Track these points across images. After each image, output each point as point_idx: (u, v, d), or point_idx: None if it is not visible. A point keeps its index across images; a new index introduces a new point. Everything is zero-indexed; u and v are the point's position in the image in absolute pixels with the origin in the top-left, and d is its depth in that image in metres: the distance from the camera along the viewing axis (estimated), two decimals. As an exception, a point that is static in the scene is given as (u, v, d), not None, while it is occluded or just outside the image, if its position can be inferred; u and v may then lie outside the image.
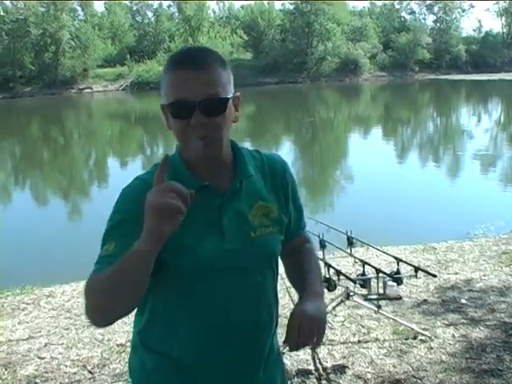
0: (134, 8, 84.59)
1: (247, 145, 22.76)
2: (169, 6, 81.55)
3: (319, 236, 4.98)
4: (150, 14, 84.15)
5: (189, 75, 1.59)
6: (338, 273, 4.28)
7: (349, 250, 5.05)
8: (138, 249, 1.41)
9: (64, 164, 20.79)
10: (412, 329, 4.59)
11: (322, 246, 4.93)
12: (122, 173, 17.34)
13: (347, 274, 4.43)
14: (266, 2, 76.47)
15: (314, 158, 19.64)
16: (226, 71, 1.68)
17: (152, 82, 62.80)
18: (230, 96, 1.68)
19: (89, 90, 63.72)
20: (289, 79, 61.07)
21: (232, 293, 1.70)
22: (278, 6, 76.49)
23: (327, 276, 4.27)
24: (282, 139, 24.78)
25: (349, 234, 5.03)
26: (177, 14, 77.06)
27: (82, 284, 6.11)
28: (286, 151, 21.07)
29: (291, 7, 71.60)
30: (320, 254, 4.97)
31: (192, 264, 1.64)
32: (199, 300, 1.67)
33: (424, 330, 4.63)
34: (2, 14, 68.80)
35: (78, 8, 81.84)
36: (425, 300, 5.34)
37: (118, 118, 37.64)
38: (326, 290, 4.42)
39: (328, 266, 4.34)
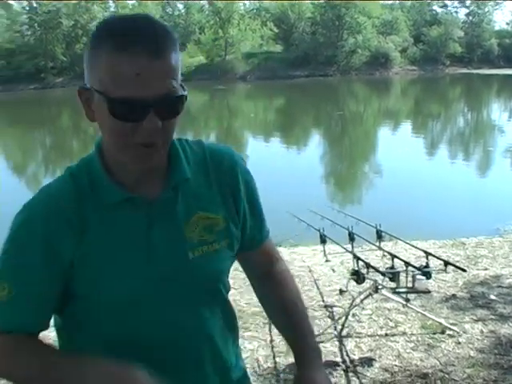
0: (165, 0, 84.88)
1: (276, 138, 22.91)
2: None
3: (348, 228, 4.99)
4: (180, 6, 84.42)
5: (142, 65, 1.18)
6: (367, 265, 4.28)
7: (377, 243, 5.05)
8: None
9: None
10: (440, 323, 4.58)
11: (351, 238, 4.93)
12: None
13: (376, 267, 4.43)
14: (296, -5, 76.25)
15: (344, 152, 19.57)
16: (177, 53, 1.27)
17: (182, 74, 62.74)
18: (185, 91, 1.30)
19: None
20: (319, 72, 60.83)
21: (161, 334, 1.36)
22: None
23: (356, 269, 4.28)
24: (311, 132, 24.75)
25: (378, 227, 5.03)
26: (207, 6, 77.06)
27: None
28: (316, 144, 21.08)
29: (322, 0, 71.31)
30: (349, 246, 4.99)
31: (108, 298, 1.30)
32: (118, 342, 1.33)
33: (452, 324, 4.61)
34: (34, 5, 69.53)
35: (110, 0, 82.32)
36: (453, 295, 5.31)
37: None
38: (354, 283, 4.45)
39: (357, 258, 4.36)
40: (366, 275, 4.26)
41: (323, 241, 5.21)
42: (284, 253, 6.54)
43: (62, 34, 68.87)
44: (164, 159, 1.37)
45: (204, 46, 68.57)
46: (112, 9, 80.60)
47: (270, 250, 1.65)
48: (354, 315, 4.76)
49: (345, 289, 5.02)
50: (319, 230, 5.22)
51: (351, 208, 10.25)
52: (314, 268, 5.96)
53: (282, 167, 14.95)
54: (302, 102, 39.90)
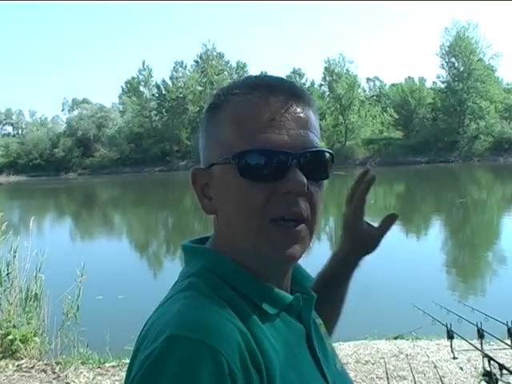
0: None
1: (396, 225, 22.39)
2: (320, 85, 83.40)
3: (477, 325, 4.78)
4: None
5: (277, 109, 1.01)
6: (501, 367, 4.06)
7: (509, 342, 4.80)
8: None
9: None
10: None
11: (480, 335, 4.71)
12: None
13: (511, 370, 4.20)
14: (416, 81, 76.47)
15: (466, 240, 18.99)
16: (316, 114, 1.10)
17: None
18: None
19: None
20: (440, 158, 60.10)
21: None
22: (428, 84, 75.98)
23: (488, 369, 4.07)
24: (431, 219, 24.27)
25: (509, 324, 4.79)
26: (328, 93, 78.52)
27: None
28: (436, 232, 20.60)
29: (442, 86, 71.18)
30: (476, 342, 4.77)
31: None
32: None
33: None
34: (163, 92, 73.50)
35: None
36: None
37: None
38: (485, 384, 4.22)
39: (489, 358, 4.15)
40: (499, 377, 4.04)
41: (450, 336, 5.01)
42: (406, 346, 6.36)
43: (187, 119, 72.28)
44: (303, 253, 1.05)
45: (324, 131, 69.58)
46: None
47: None
48: (483, 418, 4.51)
49: (475, 389, 4.78)
50: (446, 326, 5.04)
51: (476, 300, 9.89)
52: (440, 364, 5.73)
53: (402, 255, 14.66)
54: (422, 188, 39.38)
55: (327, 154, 1.07)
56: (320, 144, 1.07)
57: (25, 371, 5.82)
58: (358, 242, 1.46)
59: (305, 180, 0.99)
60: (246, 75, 1.15)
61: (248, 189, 1.00)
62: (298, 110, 1.03)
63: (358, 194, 1.48)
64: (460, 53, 67.45)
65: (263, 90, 1.03)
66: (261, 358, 0.92)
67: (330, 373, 1.09)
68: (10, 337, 6.27)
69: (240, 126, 1.01)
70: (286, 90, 1.04)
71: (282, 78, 1.09)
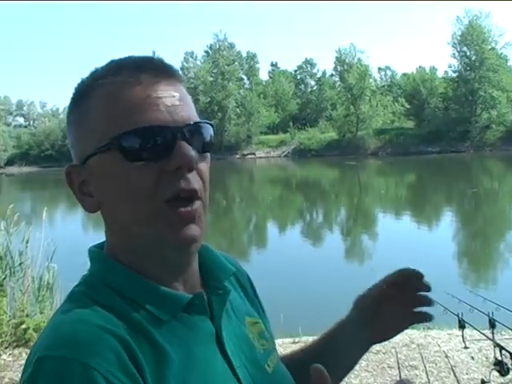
0: (298, 77, 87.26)
1: (407, 215, 22.59)
2: (331, 75, 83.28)
3: (488, 314, 4.78)
4: (312, 83, 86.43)
5: (148, 87, 0.95)
6: (512, 356, 4.06)
7: (521, 332, 4.80)
8: None
9: (225, 227, 21.44)
10: None
11: (492, 325, 4.71)
12: (281, 238, 17.66)
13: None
14: (428, 70, 76.09)
15: (478, 231, 18.93)
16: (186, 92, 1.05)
17: (314, 150, 64.04)
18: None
19: (252, 156, 66.21)
20: (451, 148, 59.74)
21: None
22: (440, 73, 75.51)
23: (499, 358, 4.07)
24: (443, 209, 24.17)
25: (520, 314, 4.78)
26: (339, 83, 78.35)
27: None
28: (448, 222, 20.53)
29: (454, 75, 70.73)
30: (487, 332, 4.77)
31: None
32: None
33: None
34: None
35: (244, 77, 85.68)
36: None
37: (279, 183, 38.52)
38: (496, 373, 4.23)
39: (500, 347, 4.15)
40: (510, 366, 4.05)
41: (462, 326, 5.01)
42: (417, 336, 6.35)
43: (198, 109, 71.39)
44: (202, 234, 0.99)
45: (336, 121, 69.56)
46: (246, 85, 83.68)
47: None
48: (494, 408, 4.52)
49: (486, 379, 4.77)
50: (458, 315, 5.03)
51: (487, 290, 9.86)
52: (451, 354, 5.73)
53: (413, 245, 14.64)
54: (433, 178, 39.23)
55: (210, 126, 1.03)
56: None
57: (38, 360, 5.87)
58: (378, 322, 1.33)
59: (193, 153, 0.94)
60: (109, 60, 1.03)
61: (134, 173, 0.92)
62: (172, 85, 0.98)
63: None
64: (472, 42, 66.96)
65: (131, 69, 0.97)
66: (144, 363, 0.86)
67: (247, 373, 1.02)
68: (24, 326, 6.32)
69: (114, 110, 0.94)
70: (155, 67, 0.99)
71: (148, 56, 1.03)
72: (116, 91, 0.95)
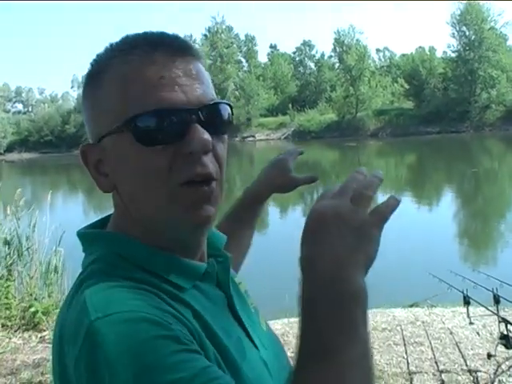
0: (297, 59, 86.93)
1: (407, 195, 22.61)
2: (330, 57, 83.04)
3: (493, 290, 4.84)
4: (311, 65, 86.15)
5: (164, 66, 0.93)
6: (516, 330, 4.13)
7: (524, 307, 4.87)
8: (353, 290, 0.79)
9: (225, 209, 21.43)
10: None
11: (496, 301, 4.77)
12: (282, 219, 17.80)
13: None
14: (427, 51, 75.83)
15: (478, 210, 18.99)
16: (205, 67, 1.03)
17: (313, 132, 63.96)
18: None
19: (251, 139, 66.18)
20: (451, 128, 59.59)
21: None
22: (439, 54, 75.25)
23: (504, 333, 4.14)
24: (443, 189, 24.23)
25: (523, 289, 4.85)
26: (338, 64, 78.14)
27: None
28: (448, 202, 20.59)
29: (453, 55, 70.49)
30: (494, 308, 4.83)
31: None
32: None
33: None
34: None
35: (243, 59, 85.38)
36: None
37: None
38: (502, 348, 4.30)
39: (506, 322, 4.22)
40: (515, 340, 4.11)
41: (467, 302, 5.08)
42: (422, 313, 6.43)
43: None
44: (216, 213, 1.00)
45: (335, 103, 69.42)
46: (245, 68, 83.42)
47: None
48: (500, 382, 4.59)
49: (493, 353, 4.84)
50: (463, 292, 5.10)
51: (488, 268, 9.90)
52: (455, 330, 5.80)
53: (414, 225, 14.69)
54: (433, 158, 39.23)
55: (227, 106, 1.00)
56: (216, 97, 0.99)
57: (48, 342, 5.94)
58: (278, 181, 1.58)
59: (208, 136, 0.92)
60: (124, 35, 1.01)
61: (148, 155, 0.91)
62: (187, 63, 0.95)
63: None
64: (471, 21, 66.64)
65: (146, 47, 0.94)
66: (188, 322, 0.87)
67: (256, 334, 1.06)
68: (33, 309, 6.39)
69: (127, 90, 0.92)
70: (170, 44, 0.95)
71: (164, 33, 0.99)
72: (130, 71, 0.93)
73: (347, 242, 0.81)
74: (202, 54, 1.01)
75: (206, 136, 0.92)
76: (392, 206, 0.87)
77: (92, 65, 1.00)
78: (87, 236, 1.03)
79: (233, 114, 1.03)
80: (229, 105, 1.01)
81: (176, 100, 0.91)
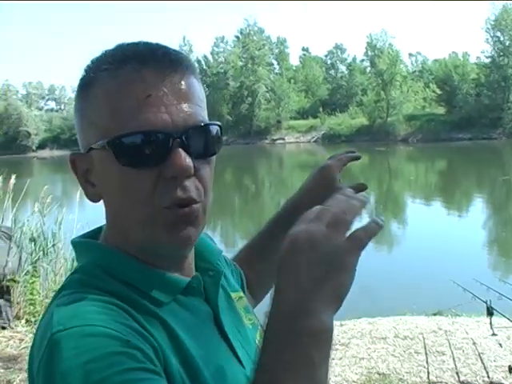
0: (328, 62, 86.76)
1: (436, 202, 22.43)
2: (362, 61, 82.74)
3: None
4: (343, 68, 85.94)
5: (151, 84, 0.91)
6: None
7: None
8: (318, 325, 0.74)
9: (254, 211, 21.50)
10: None
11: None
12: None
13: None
14: (460, 56, 75.14)
15: (509, 219, 18.76)
16: (199, 82, 1.01)
17: (344, 135, 63.73)
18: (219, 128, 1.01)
19: (281, 141, 66.14)
20: (483, 135, 58.91)
21: None
22: (472, 59, 74.50)
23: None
24: (473, 197, 23.97)
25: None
26: (369, 68, 77.79)
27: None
28: (478, 209, 20.37)
29: (487, 61, 69.73)
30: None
31: None
32: None
33: None
34: (204, 67, 73.60)
35: (274, 62, 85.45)
36: None
37: (308, 168, 38.30)
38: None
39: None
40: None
41: (490, 313, 5.03)
42: (445, 322, 6.37)
43: (228, 94, 72.29)
44: (199, 233, 0.99)
45: (366, 107, 69.06)
46: (277, 70, 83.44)
47: None
48: (521, 395, 4.53)
49: (515, 366, 4.78)
50: (486, 302, 5.05)
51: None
52: (478, 341, 5.73)
53: (442, 232, 14.56)
54: (464, 165, 38.86)
55: (214, 128, 0.98)
56: (206, 117, 0.97)
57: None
58: (321, 191, 1.32)
59: (190, 162, 0.90)
60: (119, 43, 0.98)
61: (131, 177, 0.91)
62: (177, 80, 0.92)
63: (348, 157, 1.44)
64: (506, 27, 65.95)
65: (134, 63, 0.91)
66: (158, 337, 0.87)
67: (245, 350, 1.04)
68: (56, 306, 6.44)
69: (113, 107, 0.91)
70: (160, 60, 0.92)
71: (156, 45, 0.96)
72: (117, 88, 0.91)
73: (315, 272, 0.76)
74: (194, 68, 0.99)
75: (188, 161, 0.90)
76: (371, 231, 0.80)
77: (84, 73, 0.98)
78: (77, 245, 1.04)
79: (222, 133, 1.01)
80: (218, 125, 0.99)
81: (160, 122, 0.89)
